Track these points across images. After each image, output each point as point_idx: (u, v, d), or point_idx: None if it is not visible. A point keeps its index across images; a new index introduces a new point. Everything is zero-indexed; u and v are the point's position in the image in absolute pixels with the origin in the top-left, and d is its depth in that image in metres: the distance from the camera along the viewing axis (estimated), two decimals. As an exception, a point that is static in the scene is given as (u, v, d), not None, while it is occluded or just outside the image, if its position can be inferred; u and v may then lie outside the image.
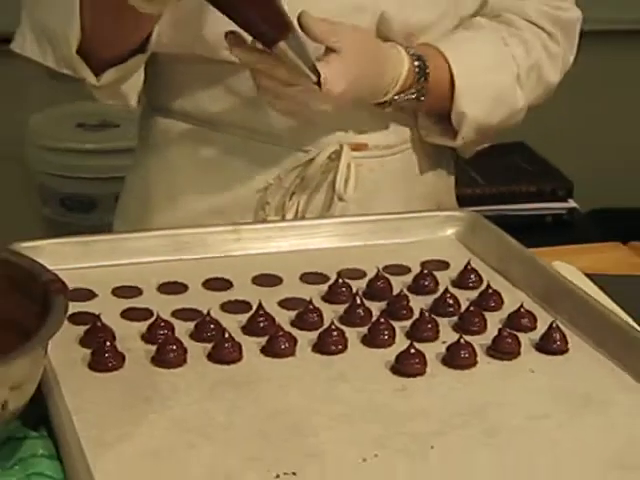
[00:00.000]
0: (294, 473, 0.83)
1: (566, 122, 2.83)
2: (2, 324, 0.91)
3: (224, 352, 1.01)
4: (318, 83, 1.19)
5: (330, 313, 1.09)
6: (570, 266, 1.23)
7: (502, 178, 2.84)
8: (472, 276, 1.19)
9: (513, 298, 1.14)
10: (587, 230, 2.87)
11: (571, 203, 2.91)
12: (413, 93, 1.36)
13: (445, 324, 1.09)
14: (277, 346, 1.03)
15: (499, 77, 1.43)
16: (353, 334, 1.06)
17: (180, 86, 1.39)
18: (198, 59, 1.30)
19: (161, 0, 1.11)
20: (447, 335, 1.06)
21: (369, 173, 1.39)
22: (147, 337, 1.04)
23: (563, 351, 1.05)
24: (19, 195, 2.78)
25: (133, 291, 1.14)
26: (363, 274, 1.20)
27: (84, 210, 2.64)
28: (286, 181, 1.37)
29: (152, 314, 1.07)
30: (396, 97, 1.35)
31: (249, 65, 1.22)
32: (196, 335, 1.05)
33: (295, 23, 1.18)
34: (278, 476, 0.83)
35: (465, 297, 1.14)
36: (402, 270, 1.22)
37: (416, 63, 1.35)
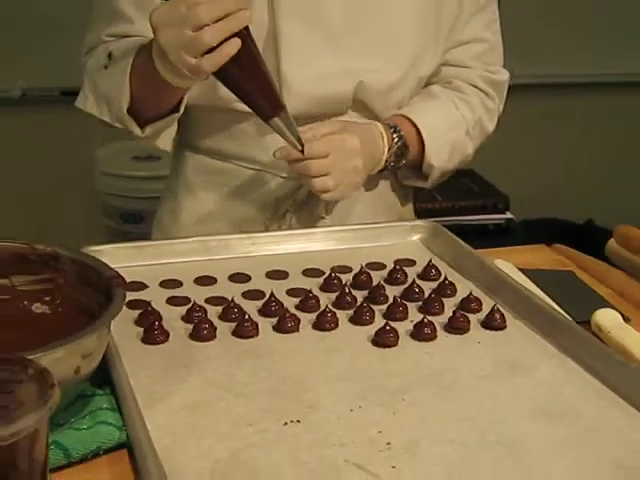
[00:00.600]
0: (298, 421, 0.83)
1: (503, 155, 2.82)
2: (75, 309, 0.90)
3: (245, 329, 1.01)
4: (302, 151, 1.17)
5: (325, 299, 1.09)
6: (507, 263, 1.22)
7: (455, 196, 2.83)
8: (433, 271, 1.18)
9: (464, 287, 1.14)
10: (520, 235, 2.85)
11: (507, 215, 2.89)
12: (399, 157, 1.35)
13: (412, 307, 1.08)
14: (285, 325, 1.02)
15: (455, 134, 1.42)
16: (343, 315, 1.05)
17: (204, 129, 1.37)
18: (218, 109, 1.27)
19: (190, 78, 1.10)
20: (414, 315, 1.05)
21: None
22: (186, 318, 1.03)
23: (502, 327, 1.04)
24: (87, 210, 2.77)
25: (175, 283, 1.13)
26: (350, 269, 1.19)
27: (136, 222, 2.63)
28: (283, 202, 1.34)
29: (189, 301, 1.06)
30: (387, 164, 1.34)
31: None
32: (223, 316, 1.04)
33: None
34: (286, 423, 0.83)
35: (427, 287, 1.13)
36: (379, 266, 1.21)
37: (395, 140, 1.33)
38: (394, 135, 1.34)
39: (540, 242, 1.40)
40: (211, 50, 1.06)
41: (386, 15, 1.33)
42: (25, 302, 0.93)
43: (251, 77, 1.12)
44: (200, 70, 1.07)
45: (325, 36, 1.30)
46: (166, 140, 1.32)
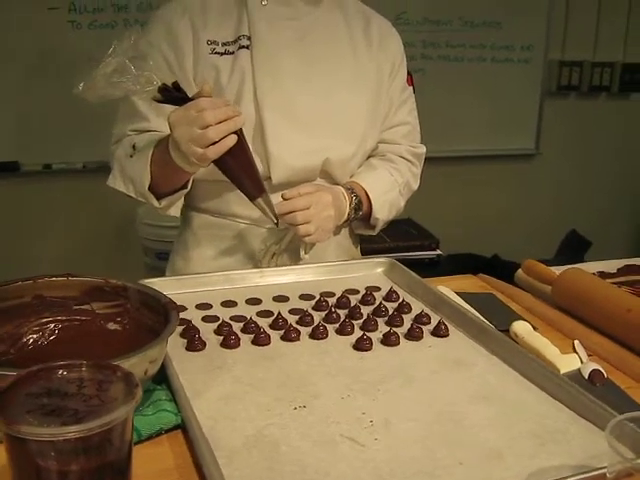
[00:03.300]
0: (304, 406, 0.83)
1: (433, 208, 2.84)
2: (139, 327, 0.90)
3: (260, 339, 1.00)
4: (276, 224, 1.18)
5: (317, 317, 1.08)
6: (446, 288, 1.22)
7: (399, 238, 2.83)
8: (394, 295, 1.17)
9: (417, 306, 1.13)
10: (447, 266, 2.85)
11: (438, 251, 2.90)
12: (356, 211, 1.34)
13: (381, 321, 1.07)
14: (289, 335, 1.01)
15: (391, 194, 1.41)
16: (331, 328, 1.04)
17: (206, 195, 1.34)
18: (216, 181, 1.22)
19: (197, 164, 1.09)
20: (382, 327, 1.05)
21: (318, 243, 1.33)
22: (217, 331, 1.02)
23: (446, 335, 1.03)
24: (131, 250, 2.75)
25: (207, 306, 1.12)
26: (333, 294, 1.18)
27: (167, 259, 2.61)
28: (271, 247, 1.32)
29: (218, 319, 1.05)
30: (349, 216, 1.33)
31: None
32: (244, 330, 1.03)
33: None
34: (295, 408, 0.82)
35: (390, 306, 1.12)
36: (354, 292, 1.20)
37: (354, 198, 1.33)
38: (352, 195, 1.33)
39: (461, 272, 1.38)
40: (214, 143, 1.06)
41: (343, 108, 1.32)
42: (102, 322, 0.92)
43: (242, 165, 1.12)
44: (205, 158, 1.08)
45: (298, 124, 1.28)
46: (176, 209, 1.30)
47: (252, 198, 1.16)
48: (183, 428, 0.78)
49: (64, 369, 0.61)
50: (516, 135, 3.49)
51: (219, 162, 1.10)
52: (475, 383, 0.90)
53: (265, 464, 0.72)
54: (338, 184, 1.35)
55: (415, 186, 1.49)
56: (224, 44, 1.26)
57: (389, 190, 1.41)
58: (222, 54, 1.25)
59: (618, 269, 1.40)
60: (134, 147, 1.24)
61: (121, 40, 1.02)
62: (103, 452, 0.55)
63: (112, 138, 1.33)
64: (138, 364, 0.73)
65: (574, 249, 3.72)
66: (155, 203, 1.25)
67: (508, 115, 3.41)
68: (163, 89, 1.06)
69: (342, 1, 1.36)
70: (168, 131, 1.13)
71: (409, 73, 1.44)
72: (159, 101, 1.08)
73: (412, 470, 0.71)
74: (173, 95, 1.08)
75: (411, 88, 1.45)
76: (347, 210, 1.32)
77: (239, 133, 1.09)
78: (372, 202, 1.37)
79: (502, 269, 1.43)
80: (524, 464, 0.72)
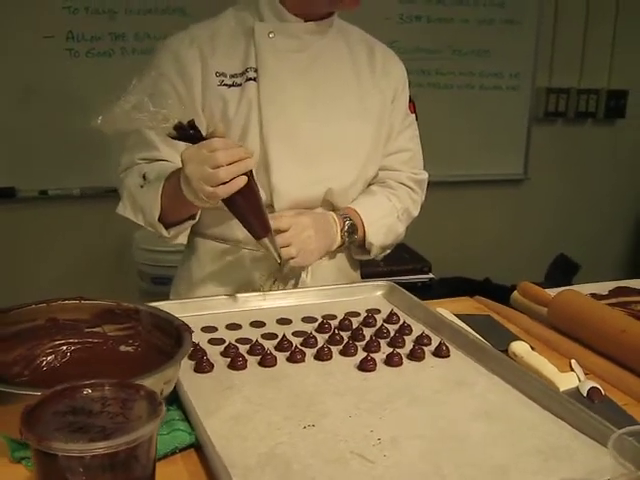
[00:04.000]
0: (313, 425, 0.84)
1: (426, 234, 2.87)
2: (151, 348, 0.91)
3: (267, 361, 1.01)
4: (280, 263, 1.20)
5: (321, 339, 1.09)
6: (445, 310, 1.23)
7: (393, 262, 2.84)
8: (394, 317, 1.19)
9: (417, 328, 1.15)
10: (439, 289, 2.88)
11: (430, 275, 2.93)
12: (350, 235, 1.36)
13: (383, 343, 1.09)
14: (295, 357, 1.03)
15: (388, 220, 1.42)
16: (334, 350, 1.06)
17: (210, 222, 1.36)
18: (221, 210, 1.19)
19: (206, 202, 1.11)
20: (385, 349, 1.07)
21: (318, 267, 1.36)
22: (224, 354, 1.03)
23: (447, 356, 1.05)
24: (127, 275, 2.75)
25: (212, 329, 1.13)
26: (335, 317, 1.19)
27: (164, 284, 2.59)
28: (272, 272, 1.33)
29: (224, 341, 1.07)
30: (343, 240, 1.35)
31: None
32: (250, 352, 1.04)
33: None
34: (305, 427, 0.84)
35: (392, 328, 1.14)
36: (355, 314, 1.21)
37: (346, 222, 1.34)
38: (344, 219, 1.35)
39: (453, 295, 1.39)
40: (224, 183, 1.08)
41: (347, 135, 1.34)
42: (114, 344, 0.93)
43: (250, 206, 1.14)
44: (214, 197, 1.10)
45: (301, 157, 1.31)
46: (184, 237, 1.32)
47: (257, 237, 1.18)
48: (196, 447, 0.80)
49: (88, 388, 0.63)
50: (505, 160, 3.54)
51: (228, 201, 1.12)
52: (477, 402, 0.92)
53: (278, 482, 0.73)
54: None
55: (415, 212, 1.50)
56: (232, 76, 1.28)
57: (386, 215, 1.42)
58: (230, 86, 1.28)
59: (610, 291, 1.43)
60: (144, 177, 1.25)
61: (141, 78, 1.05)
62: (129, 468, 0.57)
63: (120, 166, 1.34)
64: (154, 384, 0.74)
65: (563, 272, 3.76)
66: (164, 233, 1.26)
67: (497, 141, 3.46)
68: (178, 127, 1.08)
69: (346, 30, 1.39)
70: (177, 161, 1.16)
71: (411, 100, 1.47)
72: (174, 138, 1.10)
73: (421, 486, 0.73)
74: (188, 133, 1.10)
75: (413, 115, 1.47)
76: (339, 234, 1.34)
77: (249, 175, 1.11)
78: (365, 227, 1.38)
79: (494, 292, 1.44)
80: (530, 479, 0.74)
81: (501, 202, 3.63)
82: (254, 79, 1.28)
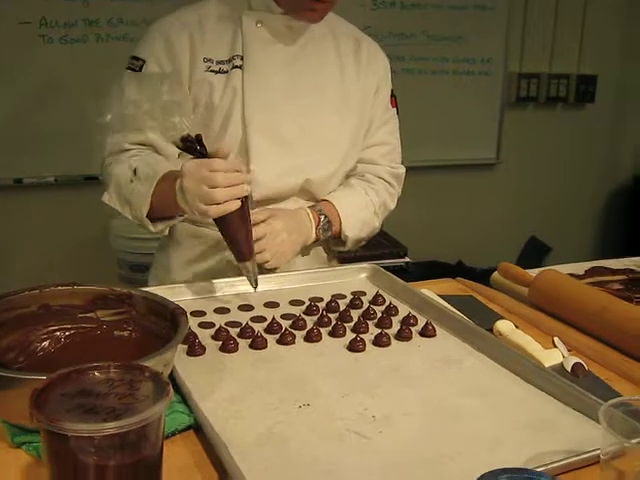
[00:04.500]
0: (308, 404, 0.86)
1: (401, 220, 2.91)
2: (145, 333, 0.92)
3: (258, 343, 1.02)
4: (255, 288, 1.19)
5: (309, 321, 1.11)
6: (429, 291, 1.25)
7: (369, 246, 2.85)
8: (380, 299, 1.21)
9: (403, 309, 1.17)
10: (415, 273, 2.90)
11: (406, 259, 2.95)
12: (325, 231, 1.37)
13: (371, 324, 1.11)
14: (285, 339, 1.04)
15: (364, 213, 1.43)
16: (324, 331, 1.07)
17: None
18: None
19: (198, 216, 1.13)
20: (373, 329, 1.09)
21: (293, 264, 1.36)
22: (214, 337, 1.05)
23: (434, 335, 1.08)
24: (105, 262, 2.72)
25: (201, 313, 1.14)
26: (322, 299, 1.21)
27: (142, 271, 2.58)
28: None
29: (214, 325, 1.08)
30: (318, 236, 1.36)
31: None
32: (241, 335, 1.05)
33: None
34: (300, 406, 0.85)
35: (378, 309, 1.16)
36: (342, 296, 1.23)
37: (322, 218, 1.36)
38: (320, 215, 1.36)
39: (429, 278, 1.40)
40: (218, 203, 1.09)
41: (327, 128, 1.36)
42: (107, 329, 0.94)
43: (238, 229, 1.15)
44: (206, 215, 1.11)
45: (282, 144, 1.32)
46: (167, 230, 1.31)
47: (239, 260, 1.18)
48: (195, 428, 0.81)
49: (94, 370, 0.63)
50: (478, 145, 3.58)
51: (218, 220, 1.14)
52: (466, 379, 0.95)
53: (279, 459, 0.75)
54: (317, 200, 1.40)
55: (392, 206, 1.52)
56: (218, 62, 1.28)
57: (362, 209, 1.44)
58: (217, 72, 1.28)
59: (586, 271, 1.47)
60: (135, 172, 1.24)
61: (156, 84, 1.05)
62: (139, 448, 0.58)
63: (105, 148, 1.33)
64: (154, 367, 0.73)
65: (535, 254, 3.83)
66: (151, 228, 1.26)
67: (470, 125, 3.50)
68: (185, 139, 1.09)
69: (333, 25, 1.40)
70: (163, 147, 1.16)
71: (393, 95, 1.48)
72: (178, 147, 1.11)
73: (417, 459, 0.75)
74: (193, 147, 1.10)
75: (394, 110, 1.49)
76: (314, 231, 1.36)
77: (243, 200, 1.12)
78: (342, 220, 1.40)
79: (466, 275, 1.46)
80: (521, 451, 0.77)
81: (474, 186, 3.68)
82: (240, 67, 1.28)
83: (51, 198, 2.81)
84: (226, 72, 1.29)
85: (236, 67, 1.29)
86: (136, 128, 1.28)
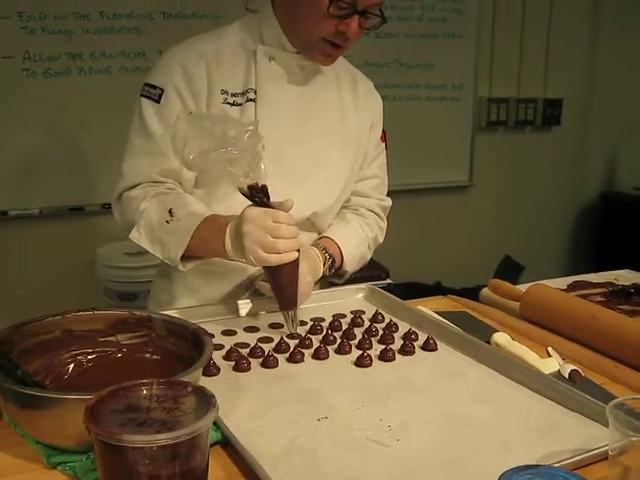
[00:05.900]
0: (326, 417, 0.89)
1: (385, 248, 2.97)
2: (166, 354, 0.94)
3: (269, 362, 1.06)
4: (291, 334, 1.19)
5: (315, 340, 1.14)
6: (425, 308, 1.30)
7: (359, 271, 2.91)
8: (379, 316, 1.25)
9: (403, 326, 1.21)
10: (398, 294, 2.95)
11: (388, 280, 3.00)
12: (330, 269, 1.40)
13: (374, 340, 1.15)
14: (294, 357, 1.08)
15: (361, 249, 1.48)
16: (330, 349, 1.11)
17: None
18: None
19: (251, 263, 1.13)
20: (377, 346, 1.13)
21: None
22: (226, 357, 1.08)
23: (435, 349, 1.12)
24: (92, 292, 2.72)
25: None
26: (324, 319, 1.25)
27: (130, 300, 2.58)
28: (254, 281, 1.35)
29: (224, 346, 1.11)
30: (324, 274, 1.38)
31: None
32: (251, 355, 1.08)
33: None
34: (319, 419, 0.89)
35: (380, 327, 1.20)
36: (343, 316, 1.27)
37: (327, 257, 1.38)
38: (326, 255, 1.39)
39: (408, 299, 1.41)
40: (277, 252, 1.12)
41: (330, 163, 1.39)
42: (127, 351, 0.96)
43: (288, 280, 1.19)
44: (265, 263, 1.13)
45: (291, 178, 1.34)
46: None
47: (282, 308, 1.21)
48: (222, 443, 0.83)
49: (139, 387, 0.67)
50: (451, 168, 3.68)
51: (272, 269, 1.16)
52: (472, 388, 0.99)
53: (306, 469, 0.78)
54: (319, 231, 1.44)
55: (381, 239, 1.57)
56: (233, 95, 1.30)
57: (359, 245, 1.48)
58: (232, 105, 1.30)
59: (568, 285, 1.53)
60: (171, 213, 1.23)
61: (241, 133, 1.10)
62: (188, 458, 0.61)
63: (126, 177, 1.30)
64: None
65: (510, 273, 3.91)
66: (181, 268, 1.25)
67: (443, 150, 3.59)
68: (253, 187, 1.13)
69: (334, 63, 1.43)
70: (186, 173, 1.20)
71: (383, 131, 1.53)
72: (242, 192, 1.14)
73: (436, 463, 0.80)
74: (258, 196, 1.14)
75: (384, 145, 1.54)
76: (322, 269, 1.39)
77: (298, 252, 1.16)
78: (344, 257, 1.43)
79: (445, 295, 1.51)
80: (532, 451, 0.81)
81: (449, 208, 3.76)
82: (253, 100, 1.31)
83: (36, 230, 2.81)
84: (240, 105, 1.30)
85: (250, 100, 1.31)
86: (160, 154, 1.28)
